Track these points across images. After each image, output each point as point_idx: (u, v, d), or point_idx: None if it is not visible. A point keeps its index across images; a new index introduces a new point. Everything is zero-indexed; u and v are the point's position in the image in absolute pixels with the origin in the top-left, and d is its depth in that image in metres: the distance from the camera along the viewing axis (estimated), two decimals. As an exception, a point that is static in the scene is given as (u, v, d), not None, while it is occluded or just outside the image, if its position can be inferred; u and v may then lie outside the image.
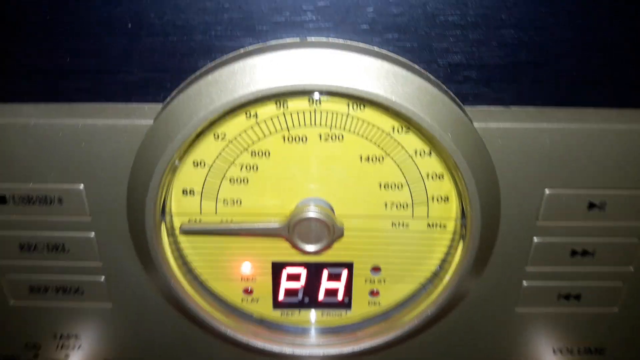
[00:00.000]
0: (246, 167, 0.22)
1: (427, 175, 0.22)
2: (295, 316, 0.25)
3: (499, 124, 0.20)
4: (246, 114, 0.20)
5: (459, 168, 0.20)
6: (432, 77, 0.20)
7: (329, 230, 0.22)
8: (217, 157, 0.21)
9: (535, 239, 0.22)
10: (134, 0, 0.18)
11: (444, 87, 0.20)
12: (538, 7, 0.19)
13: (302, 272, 0.24)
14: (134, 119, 0.20)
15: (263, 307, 0.25)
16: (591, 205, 0.22)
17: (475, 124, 0.20)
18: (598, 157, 0.20)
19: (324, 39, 0.19)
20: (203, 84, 0.19)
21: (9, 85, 0.20)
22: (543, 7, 0.19)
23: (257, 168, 0.21)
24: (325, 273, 0.24)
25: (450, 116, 0.20)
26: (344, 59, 0.19)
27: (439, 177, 0.22)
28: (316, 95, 0.20)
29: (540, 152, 0.20)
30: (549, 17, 0.19)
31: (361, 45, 0.19)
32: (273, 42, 0.19)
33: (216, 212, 0.22)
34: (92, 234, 0.22)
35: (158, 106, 0.20)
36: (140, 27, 0.19)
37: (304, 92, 0.20)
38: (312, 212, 0.22)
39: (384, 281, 0.24)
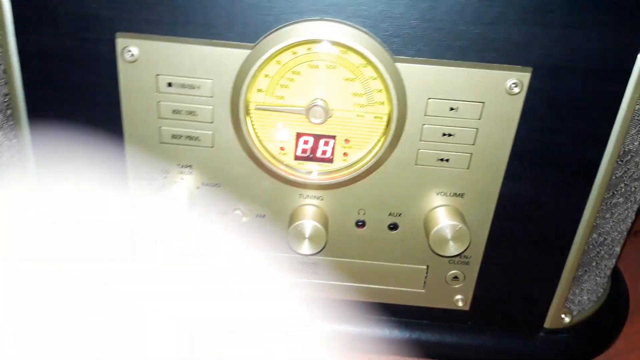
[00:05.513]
0: (288, 79, 0.44)
1: (374, 90, 0.44)
2: (304, 165, 0.47)
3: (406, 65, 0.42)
4: (292, 52, 0.43)
5: (388, 84, 0.43)
6: (377, 38, 0.42)
7: (326, 113, 0.44)
8: (276, 73, 0.44)
9: (424, 127, 0.45)
10: None
11: (385, 44, 0.43)
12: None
13: (310, 139, 0.46)
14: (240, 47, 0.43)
15: (289, 158, 0.47)
16: (451, 109, 0.44)
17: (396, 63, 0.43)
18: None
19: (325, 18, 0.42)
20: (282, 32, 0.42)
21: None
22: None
23: (294, 80, 0.44)
24: (321, 141, 0.46)
25: (387, 58, 0.43)
26: (338, 28, 0.42)
27: (379, 91, 0.44)
28: (324, 44, 0.42)
29: (426, 79, 0.42)
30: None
31: (347, 22, 0.42)
32: (308, 19, 0.42)
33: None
34: (212, 107, 0.45)
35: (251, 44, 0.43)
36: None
37: (319, 41, 0.42)
38: (319, 102, 0.44)
39: (351, 148, 0.47)
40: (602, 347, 0.54)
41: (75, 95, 0.44)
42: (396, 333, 0.53)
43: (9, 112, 0.46)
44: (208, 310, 0.53)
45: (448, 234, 0.45)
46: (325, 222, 0.47)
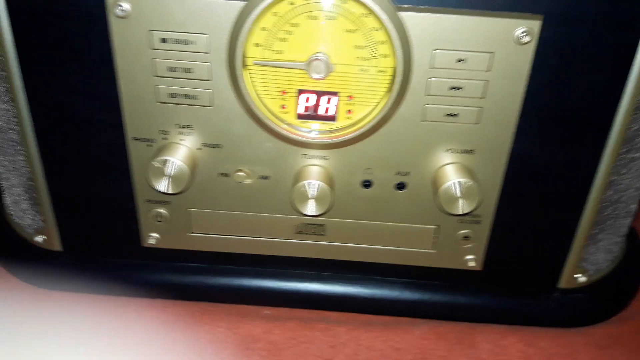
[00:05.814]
0: (286, 32, 0.43)
1: (377, 42, 0.42)
2: (306, 123, 0.46)
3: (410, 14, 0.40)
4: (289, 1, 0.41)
5: (391, 35, 0.41)
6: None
7: (327, 67, 0.42)
8: (273, 25, 0.42)
9: (431, 80, 0.43)
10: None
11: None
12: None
13: (312, 96, 0.45)
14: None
15: (291, 116, 0.45)
16: (459, 60, 0.42)
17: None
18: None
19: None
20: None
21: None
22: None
23: (293, 33, 0.42)
24: (323, 97, 0.45)
25: (389, 7, 0.41)
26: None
27: (383, 43, 0.42)
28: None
29: (431, 29, 0.40)
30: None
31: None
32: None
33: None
34: (209, 63, 0.43)
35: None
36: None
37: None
38: (320, 55, 0.43)
39: (355, 105, 0.45)
40: (618, 307, 0.53)
41: (69, 54, 0.43)
42: (407, 294, 0.52)
43: (3, 74, 0.44)
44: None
45: (457, 191, 0.44)
46: (330, 182, 0.46)
